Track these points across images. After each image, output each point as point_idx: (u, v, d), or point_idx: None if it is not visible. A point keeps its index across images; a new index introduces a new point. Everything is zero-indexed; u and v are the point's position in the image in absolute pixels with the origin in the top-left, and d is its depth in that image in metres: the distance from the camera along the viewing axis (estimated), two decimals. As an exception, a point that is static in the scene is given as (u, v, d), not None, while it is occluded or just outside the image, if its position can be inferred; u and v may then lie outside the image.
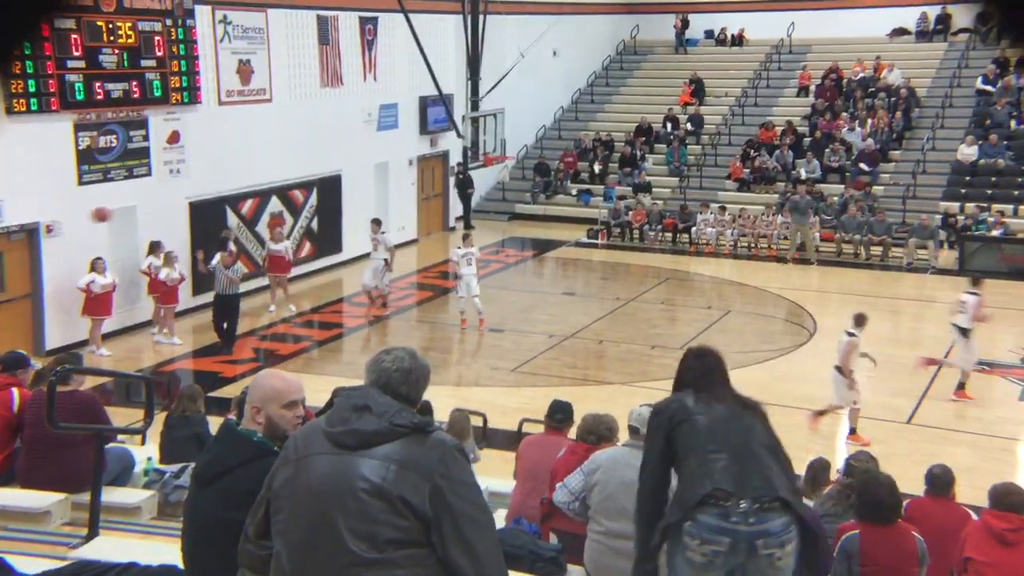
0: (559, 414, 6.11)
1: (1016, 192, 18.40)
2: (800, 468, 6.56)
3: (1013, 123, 19.83)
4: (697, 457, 3.26)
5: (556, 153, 22.63)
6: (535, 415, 8.51)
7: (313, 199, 16.88)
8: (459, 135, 19.87)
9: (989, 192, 18.54)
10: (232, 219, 15.05)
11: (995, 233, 17.03)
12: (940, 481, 5.32)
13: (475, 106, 20.70)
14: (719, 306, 15.24)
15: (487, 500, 7.08)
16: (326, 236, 16.92)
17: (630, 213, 19.66)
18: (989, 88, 20.69)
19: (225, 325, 12.55)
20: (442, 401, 8.05)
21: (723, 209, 19.01)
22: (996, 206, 17.85)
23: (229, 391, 10.54)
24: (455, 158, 20.66)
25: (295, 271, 16.16)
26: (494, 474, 7.55)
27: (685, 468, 3.29)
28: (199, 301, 14.01)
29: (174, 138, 13.90)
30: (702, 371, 3.52)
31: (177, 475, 5.98)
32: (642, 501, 3.41)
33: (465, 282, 13.38)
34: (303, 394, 2.97)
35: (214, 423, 6.74)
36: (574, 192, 21.63)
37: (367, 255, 17.98)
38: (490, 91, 20.86)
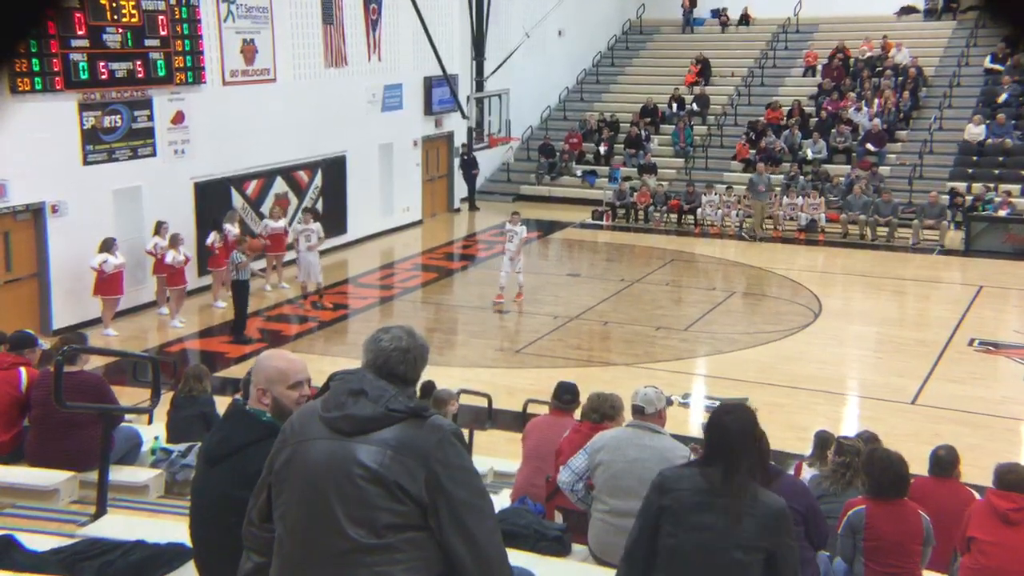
0: (567, 395, 6.13)
1: (1019, 172, 18.27)
2: (803, 448, 6.58)
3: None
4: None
5: (561, 134, 22.52)
6: (540, 396, 8.54)
7: (318, 180, 16.85)
8: (464, 116, 19.78)
9: (996, 172, 18.41)
10: (237, 200, 15.06)
11: (1002, 213, 16.93)
12: (944, 462, 5.32)
13: (480, 87, 20.59)
14: (724, 287, 15.22)
15: (492, 480, 7.12)
16: (331, 217, 16.91)
17: (635, 194, 19.59)
18: (998, 67, 20.49)
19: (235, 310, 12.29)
20: (447, 382, 8.06)
21: (729, 190, 18.92)
22: (1003, 186, 17.73)
23: (235, 371, 10.59)
24: (460, 139, 20.59)
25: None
26: (499, 454, 7.59)
27: None
28: (206, 281, 14.04)
29: (179, 118, 13.87)
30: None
31: (184, 454, 6.01)
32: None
33: (507, 257, 13.64)
34: (307, 374, 2.97)
35: (220, 403, 6.77)
36: (579, 173, 21.55)
37: (372, 236, 18.10)
38: (495, 72, 20.74)
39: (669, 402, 4.82)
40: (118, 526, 4.43)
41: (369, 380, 2.37)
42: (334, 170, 17.14)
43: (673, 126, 21.77)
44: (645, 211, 19.33)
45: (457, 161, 20.72)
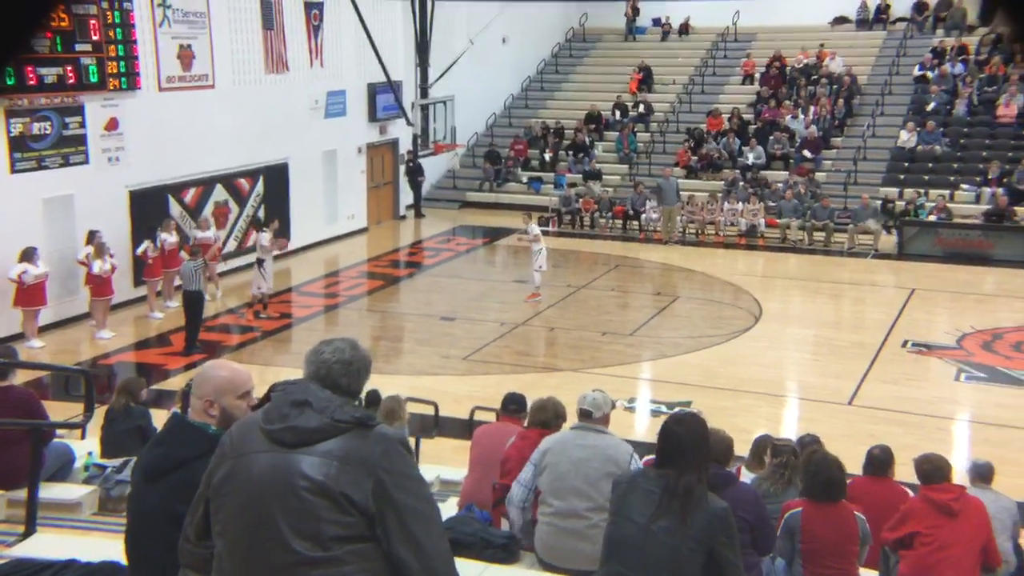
0: (513, 404, 6.20)
1: (951, 177, 18.95)
2: (746, 450, 6.69)
3: (960, 107, 20.31)
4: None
5: (506, 141, 22.60)
6: (487, 403, 8.53)
7: (259, 187, 16.59)
8: (409, 123, 19.70)
9: (927, 178, 19.06)
10: (175, 208, 14.72)
11: (932, 218, 17.51)
12: (879, 461, 5.46)
13: (424, 93, 20.54)
14: (668, 292, 15.43)
15: (438, 488, 7.07)
16: (273, 225, 16.63)
17: (580, 200, 19.75)
18: (928, 74, 21.23)
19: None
20: (393, 391, 7.98)
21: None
22: (933, 191, 18.37)
23: (173, 384, 10.33)
24: (405, 146, 20.50)
25: (242, 261, 15.91)
26: (445, 462, 7.55)
27: None
28: (141, 292, 13.68)
29: (112, 125, 13.51)
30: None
31: (119, 469, 5.83)
32: None
33: (532, 257, 14.20)
34: (253, 384, 2.93)
35: (157, 416, 6.60)
36: (525, 180, 21.65)
37: (316, 244, 17.87)
38: (439, 78, 20.71)
39: (612, 406, 4.88)
40: (48, 545, 4.28)
41: (313, 391, 2.34)
42: (276, 177, 16.89)
43: (617, 133, 22.03)
44: (591, 217, 19.50)
45: (403, 168, 20.63)
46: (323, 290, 15.69)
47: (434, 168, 21.78)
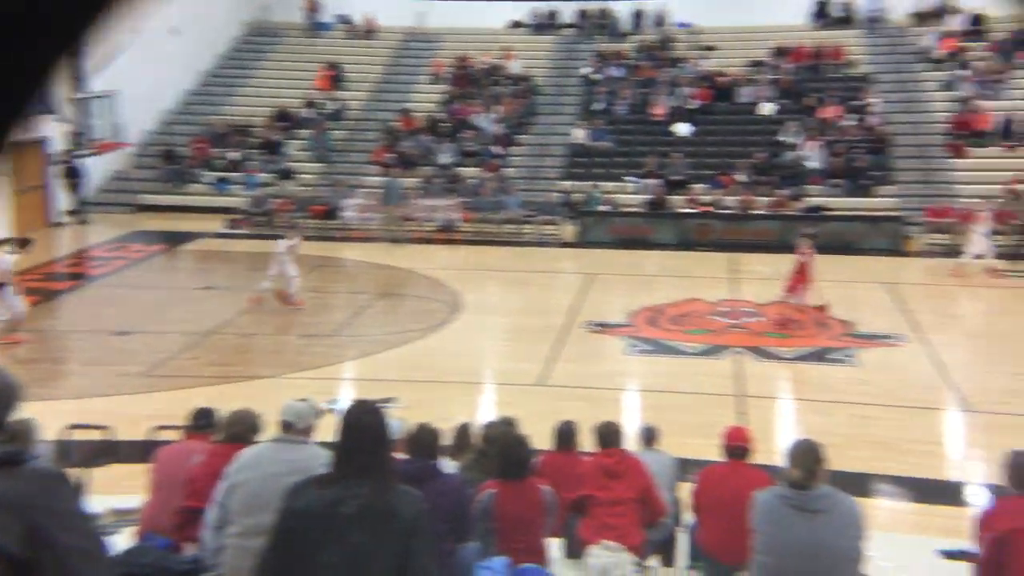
0: (201, 420, 5.77)
1: (616, 171, 21.02)
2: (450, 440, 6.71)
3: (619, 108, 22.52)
4: None
5: (185, 139, 20.93)
6: (171, 421, 7.71)
7: None
8: (62, 119, 17.44)
9: (598, 171, 20.94)
10: None
11: (605, 208, 19.29)
12: (564, 435, 5.79)
13: (80, 86, 18.31)
14: (370, 290, 15.26)
15: (112, 519, 6.22)
16: None
17: (275, 201, 18.87)
18: (597, 76, 23.32)
19: None
20: (56, 418, 6.92)
21: (371, 194, 19.09)
22: (605, 184, 20.23)
23: None
24: (58, 145, 18.10)
25: None
26: (120, 490, 6.72)
27: None
28: None
29: None
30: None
31: None
32: None
33: (281, 266, 13.41)
34: None
35: None
36: (210, 180, 20.20)
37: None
38: (98, 71, 18.57)
39: (318, 414, 4.59)
40: None
41: None
42: None
43: (310, 131, 21.40)
44: (289, 218, 18.70)
45: (57, 170, 18.20)
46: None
47: (100, 169, 19.51)
